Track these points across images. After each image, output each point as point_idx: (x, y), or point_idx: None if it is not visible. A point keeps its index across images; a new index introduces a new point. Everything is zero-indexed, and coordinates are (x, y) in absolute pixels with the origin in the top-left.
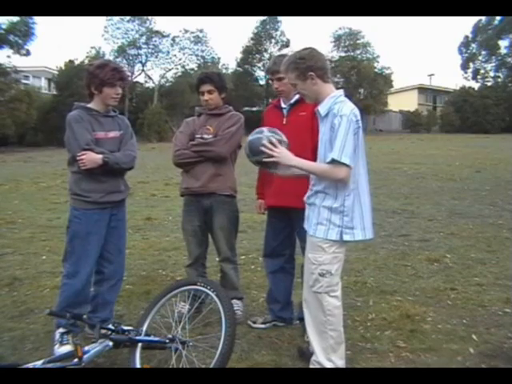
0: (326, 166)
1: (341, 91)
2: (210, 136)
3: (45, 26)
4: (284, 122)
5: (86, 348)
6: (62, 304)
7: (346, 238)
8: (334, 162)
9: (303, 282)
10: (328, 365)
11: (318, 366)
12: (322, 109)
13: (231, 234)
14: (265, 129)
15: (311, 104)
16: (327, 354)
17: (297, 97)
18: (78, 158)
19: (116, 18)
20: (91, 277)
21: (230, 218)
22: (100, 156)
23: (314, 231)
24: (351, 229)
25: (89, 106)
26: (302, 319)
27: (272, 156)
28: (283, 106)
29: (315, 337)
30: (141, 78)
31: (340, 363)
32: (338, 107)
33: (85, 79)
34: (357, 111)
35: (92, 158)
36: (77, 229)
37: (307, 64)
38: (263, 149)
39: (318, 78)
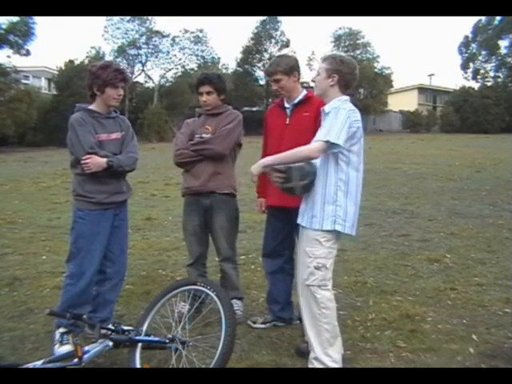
0: (299, 147)
1: (347, 96)
2: (209, 135)
3: (45, 25)
4: (287, 122)
5: (86, 348)
6: (65, 304)
7: (338, 227)
8: (315, 142)
9: (298, 279)
10: (326, 359)
11: (316, 363)
12: (327, 108)
13: (231, 233)
14: None
15: (315, 104)
16: (324, 349)
17: (300, 97)
18: (82, 162)
19: (116, 18)
20: (95, 277)
21: (230, 218)
22: (104, 160)
23: (310, 224)
24: (343, 221)
25: (90, 107)
26: (302, 319)
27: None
28: (286, 105)
29: (312, 332)
30: (141, 78)
31: (337, 357)
32: (341, 102)
33: (87, 80)
34: (358, 113)
35: (97, 162)
36: (82, 229)
37: (341, 69)
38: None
39: (337, 84)
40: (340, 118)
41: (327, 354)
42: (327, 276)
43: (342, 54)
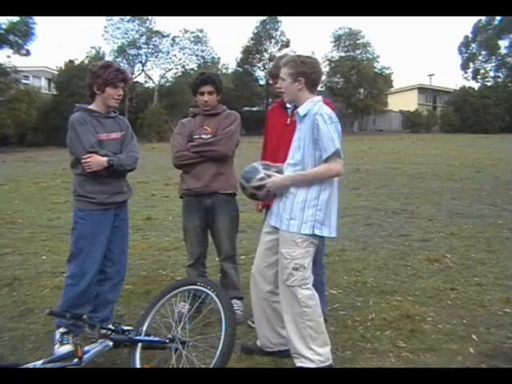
0: (322, 167)
1: (319, 97)
2: (209, 136)
3: (45, 26)
4: (288, 122)
5: (86, 348)
6: (66, 304)
7: (317, 232)
8: (328, 158)
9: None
10: (308, 353)
11: (299, 358)
12: (301, 110)
13: (233, 233)
14: (258, 165)
15: None
16: (307, 344)
17: None
18: (83, 161)
19: (116, 18)
20: (96, 277)
21: (232, 217)
22: (105, 158)
23: (287, 226)
24: (322, 224)
25: (90, 107)
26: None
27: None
28: (288, 105)
29: (292, 329)
30: (141, 78)
31: (322, 351)
32: (317, 107)
33: (87, 79)
34: (334, 115)
35: (98, 161)
36: (82, 230)
37: (304, 70)
38: (258, 183)
39: (305, 86)
40: (328, 122)
41: (310, 348)
42: (306, 275)
43: (300, 54)
